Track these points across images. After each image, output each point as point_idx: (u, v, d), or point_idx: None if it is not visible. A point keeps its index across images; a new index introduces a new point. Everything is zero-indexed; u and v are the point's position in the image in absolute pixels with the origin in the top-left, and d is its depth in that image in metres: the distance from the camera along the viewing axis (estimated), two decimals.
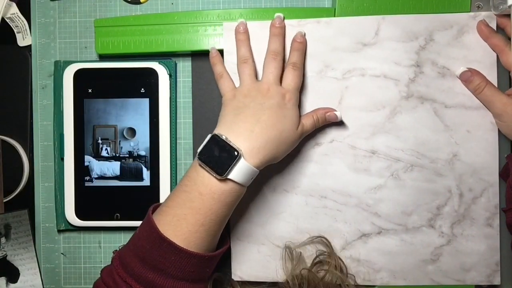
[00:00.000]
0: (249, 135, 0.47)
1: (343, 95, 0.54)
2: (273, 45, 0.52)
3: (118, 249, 0.48)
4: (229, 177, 0.46)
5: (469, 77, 0.52)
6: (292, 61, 0.52)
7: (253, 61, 0.52)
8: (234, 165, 0.45)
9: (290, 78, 0.51)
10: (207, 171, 0.46)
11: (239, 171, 0.46)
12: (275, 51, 0.51)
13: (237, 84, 0.52)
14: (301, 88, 0.53)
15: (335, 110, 0.52)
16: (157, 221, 0.46)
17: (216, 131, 0.48)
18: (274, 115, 0.48)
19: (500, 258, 0.53)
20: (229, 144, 0.46)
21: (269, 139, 0.47)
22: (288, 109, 0.49)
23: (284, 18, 0.53)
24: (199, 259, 0.46)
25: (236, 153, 0.45)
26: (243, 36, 0.53)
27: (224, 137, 0.46)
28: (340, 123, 0.54)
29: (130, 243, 0.47)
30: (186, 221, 0.46)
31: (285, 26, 0.53)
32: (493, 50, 0.53)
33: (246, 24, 0.53)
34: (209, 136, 0.47)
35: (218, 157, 0.46)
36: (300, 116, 0.51)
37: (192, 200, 0.46)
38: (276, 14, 0.53)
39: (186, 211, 0.46)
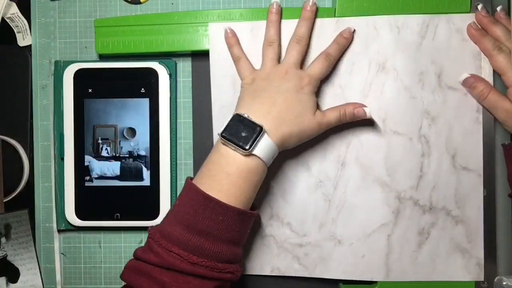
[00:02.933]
0: (265, 116, 0.47)
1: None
2: (299, 29, 0.51)
3: (151, 228, 0.46)
4: (254, 152, 0.45)
5: (472, 83, 0.51)
6: (327, 51, 0.51)
7: (279, 45, 0.52)
8: (259, 140, 0.45)
9: (317, 66, 0.50)
10: (232, 148, 0.46)
11: (263, 147, 0.46)
12: (300, 35, 0.51)
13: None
14: None
15: (365, 106, 0.50)
16: None
17: (236, 112, 0.48)
18: (289, 98, 0.48)
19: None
20: (251, 121, 0.46)
21: (284, 121, 0.47)
22: (304, 93, 0.48)
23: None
24: (244, 216, 0.46)
25: (259, 128, 0.45)
26: (274, 17, 0.52)
27: (246, 115, 0.46)
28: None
29: (170, 215, 0.46)
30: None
31: (316, 10, 0.52)
32: (484, 54, 0.52)
33: (280, 5, 0.52)
34: (231, 115, 0.47)
35: (242, 133, 0.45)
36: (318, 104, 0.50)
37: (220, 183, 0.45)
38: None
39: (216, 194, 0.45)
